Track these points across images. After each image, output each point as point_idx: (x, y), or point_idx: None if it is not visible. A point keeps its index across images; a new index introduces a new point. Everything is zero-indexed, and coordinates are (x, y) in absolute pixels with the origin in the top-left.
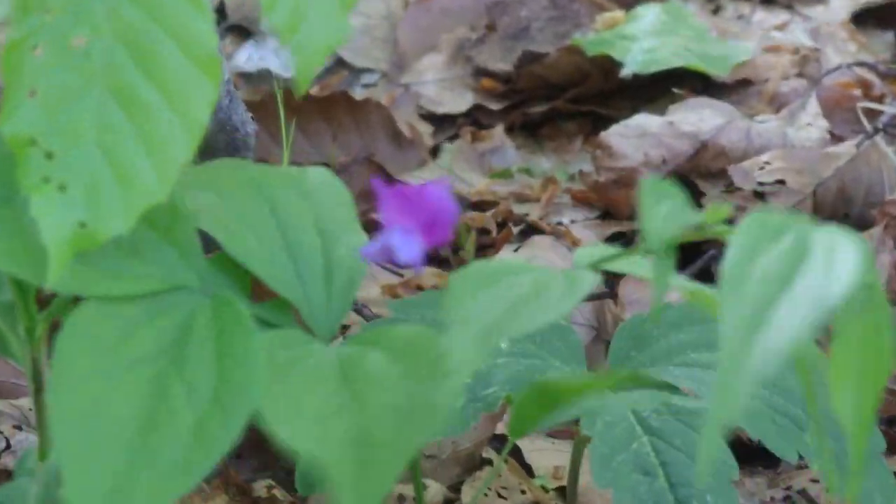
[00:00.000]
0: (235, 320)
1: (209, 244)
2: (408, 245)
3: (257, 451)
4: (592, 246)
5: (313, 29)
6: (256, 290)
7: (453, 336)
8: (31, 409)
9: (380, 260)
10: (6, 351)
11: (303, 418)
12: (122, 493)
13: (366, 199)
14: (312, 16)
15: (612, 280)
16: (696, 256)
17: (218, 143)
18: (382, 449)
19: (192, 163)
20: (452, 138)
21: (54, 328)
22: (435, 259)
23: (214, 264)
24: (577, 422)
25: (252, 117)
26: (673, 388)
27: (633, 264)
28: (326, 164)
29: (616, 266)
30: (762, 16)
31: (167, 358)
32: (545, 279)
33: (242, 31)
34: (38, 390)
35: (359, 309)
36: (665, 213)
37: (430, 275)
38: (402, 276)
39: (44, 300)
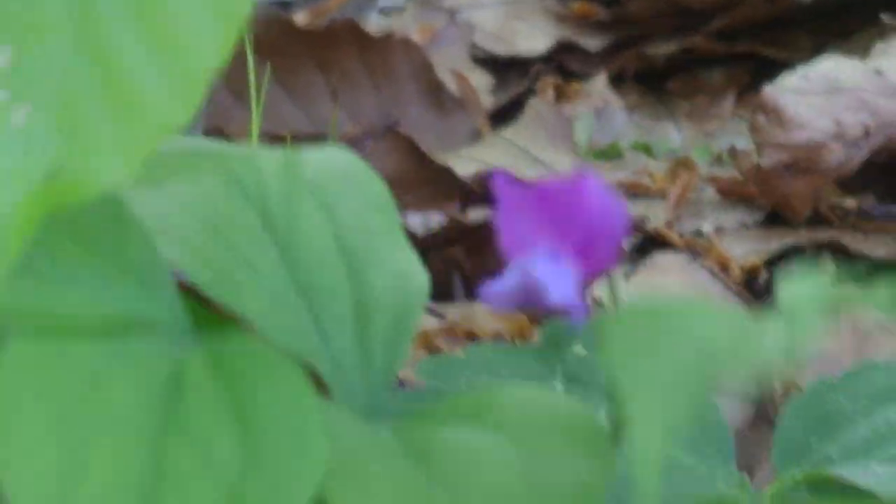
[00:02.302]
0: (263, 366)
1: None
2: (560, 275)
3: None
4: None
5: None
6: None
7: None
8: None
9: (514, 304)
10: None
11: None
12: None
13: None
14: None
15: None
16: None
17: None
18: None
19: None
20: (525, 96)
21: None
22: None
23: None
24: None
25: None
26: (878, 501)
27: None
28: (321, 137)
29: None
30: None
31: (160, 418)
32: (745, 323)
33: None
34: None
35: None
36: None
37: (487, 314)
38: (442, 316)
39: None
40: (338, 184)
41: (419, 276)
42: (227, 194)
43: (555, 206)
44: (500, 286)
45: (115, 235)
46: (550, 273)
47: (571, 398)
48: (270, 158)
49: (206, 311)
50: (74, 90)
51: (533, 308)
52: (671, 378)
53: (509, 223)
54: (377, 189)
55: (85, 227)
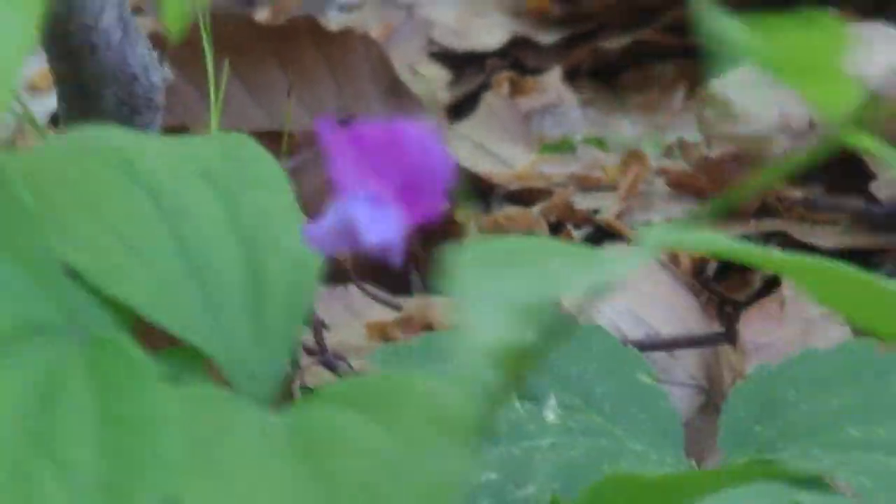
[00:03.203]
0: (127, 372)
1: None
2: (379, 217)
3: None
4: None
5: None
6: (148, 334)
7: (470, 308)
8: None
9: (334, 245)
10: None
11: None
12: None
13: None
14: None
15: (731, 315)
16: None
17: (105, 100)
18: None
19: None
20: (481, 90)
21: None
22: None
23: (86, 296)
24: None
25: (162, 59)
26: (820, 484)
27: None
28: (280, 132)
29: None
30: None
31: (26, 431)
32: (588, 252)
33: None
34: None
35: (329, 362)
36: None
37: (444, 306)
38: (399, 308)
39: None
40: (237, 170)
41: (314, 257)
42: (114, 180)
43: (377, 150)
44: (320, 227)
45: (11, 225)
46: (368, 215)
47: (457, 391)
48: (167, 146)
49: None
50: None
51: (352, 249)
52: (514, 295)
53: (335, 167)
54: (276, 173)
55: None
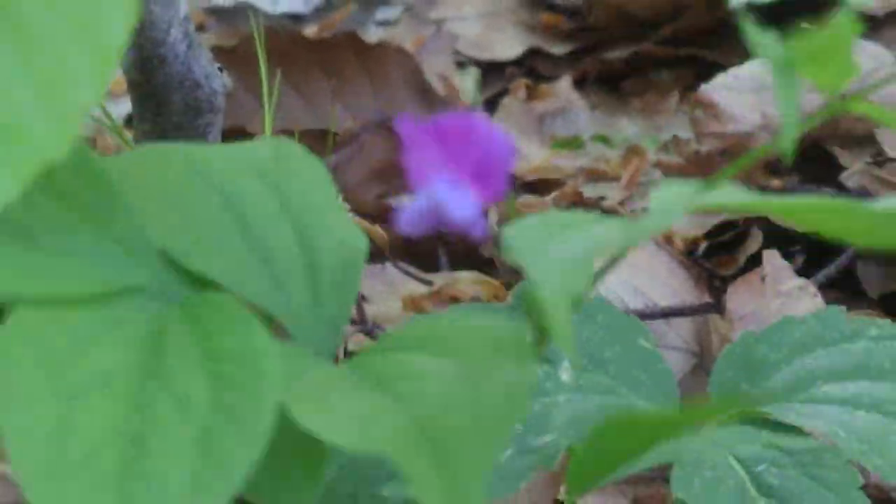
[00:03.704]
0: (226, 317)
1: None
2: (460, 199)
3: None
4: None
5: None
6: None
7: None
8: None
9: (424, 225)
10: None
11: (338, 416)
12: None
13: (383, 179)
14: None
15: (719, 289)
16: (831, 256)
17: (173, 105)
18: (455, 439)
19: (140, 131)
20: (501, 95)
21: None
22: (474, 259)
23: (173, 271)
24: (667, 480)
25: (222, 69)
26: (798, 432)
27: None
28: (325, 132)
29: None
30: None
31: (141, 372)
32: (619, 219)
33: None
34: None
35: (370, 331)
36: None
37: (468, 281)
38: (430, 283)
39: None
40: (286, 168)
41: (359, 240)
42: (189, 179)
43: (450, 141)
44: (411, 210)
45: (105, 210)
46: (451, 197)
47: (506, 320)
48: (229, 151)
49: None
50: None
51: (439, 227)
52: (565, 255)
53: (414, 159)
54: (320, 172)
55: (80, 203)
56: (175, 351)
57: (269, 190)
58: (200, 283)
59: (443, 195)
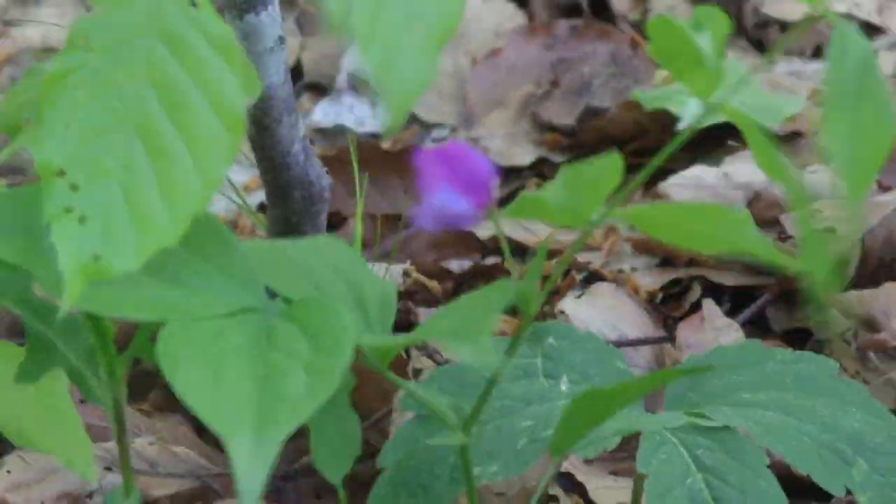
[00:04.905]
0: (318, 307)
1: None
2: (457, 201)
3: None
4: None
5: (404, 69)
6: None
7: None
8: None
9: (434, 223)
10: (89, 395)
11: None
12: (265, 419)
13: (437, 249)
14: (403, 56)
15: (671, 326)
16: (749, 302)
17: (294, 197)
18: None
19: (270, 216)
20: (518, 190)
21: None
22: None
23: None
24: (634, 459)
25: (327, 171)
26: (725, 428)
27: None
28: (399, 216)
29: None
30: (815, 68)
31: (261, 344)
32: None
33: (319, 89)
34: (121, 431)
35: (430, 354)
36: None
37: (497, 321)
38: None
39: (122, 343)
40: (340, 258)
41: (391, 289)
42: (288, 260)
43: (443, 162)
44: (423, 210)
45: (226, 258)
46: (448, 199)
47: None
48: (308, 247)
49: None
50: (114, 213)
51: (445, 222)
52: None
53: (423, 174)
54: (356, 256)
55: (208, 253)
56: (282, 332)
57: (334, 271)
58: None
59: (443, 199)
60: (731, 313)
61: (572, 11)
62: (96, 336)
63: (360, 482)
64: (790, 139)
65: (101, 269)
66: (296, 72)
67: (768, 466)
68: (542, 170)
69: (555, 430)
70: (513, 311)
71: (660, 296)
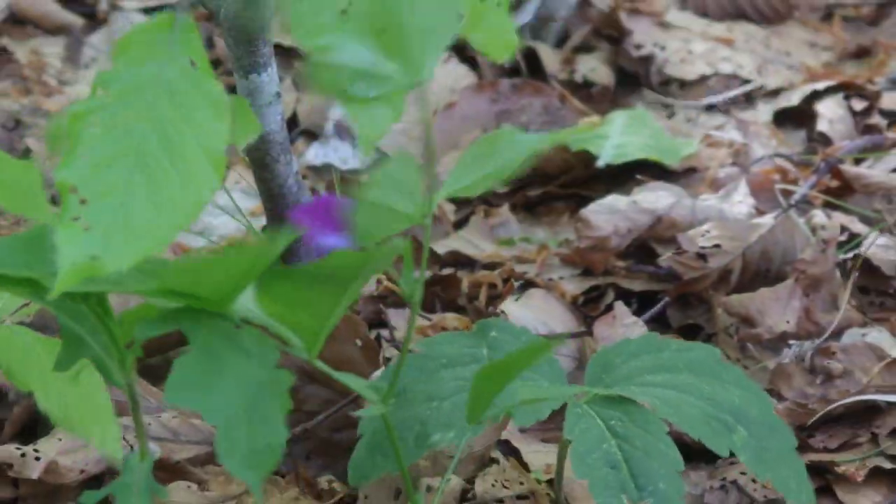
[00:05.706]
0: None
1: None
2: (330, 238)
3: (324, 454)
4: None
5: (377, 114)
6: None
7: None
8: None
9: (317, 254)
10: (111, 379)
11: None
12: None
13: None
14: (370, 110)
15: (590, 323)
16: (652, 304)
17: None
18: None
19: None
20: (469, 215)
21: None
22: (454, 307)
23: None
24: (561, 429)
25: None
26: (633, 403)
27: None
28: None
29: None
30: (705, 118)
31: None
32: None
33: (311, 134)
34: (135, 407)
35: (397, 345)
36: None
37: (451, 319)
38: (430, 319)
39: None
40: None
41: None
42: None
43: (319, 209)
44: (313, 241)
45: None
46: (325, 237)
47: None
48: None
49: None
50: (114, 224)
51: (322, 249)
52: None
53: (304, 220)
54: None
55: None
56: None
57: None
58: None
59: (321, 237)
60: (637, 313)
61: (513, 72)
62: (108, 337)
63: (343, 448)
64: (686, 174)
65: (96, 267)
66: (293, 120)
67: (667, 433)
68: (489, 199)
69: (468, 401)
70: (459, 309)
71: (581, 299)
